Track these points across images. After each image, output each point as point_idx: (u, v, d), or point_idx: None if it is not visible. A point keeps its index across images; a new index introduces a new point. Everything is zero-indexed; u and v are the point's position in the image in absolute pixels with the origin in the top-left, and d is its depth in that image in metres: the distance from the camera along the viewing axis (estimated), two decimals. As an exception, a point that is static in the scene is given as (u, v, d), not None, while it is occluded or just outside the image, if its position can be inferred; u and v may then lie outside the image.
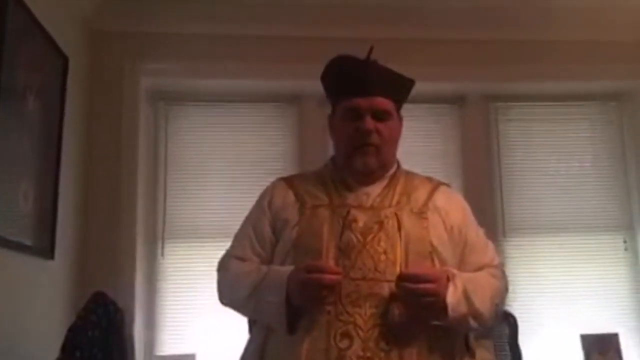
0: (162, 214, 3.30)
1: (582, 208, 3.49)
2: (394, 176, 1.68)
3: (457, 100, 3.55)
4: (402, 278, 1.42)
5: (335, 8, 3.24)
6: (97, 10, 3.15)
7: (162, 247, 3.24)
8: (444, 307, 1.43)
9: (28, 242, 2.44)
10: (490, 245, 1.71)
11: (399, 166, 1.73)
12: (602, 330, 3.07)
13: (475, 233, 1.69)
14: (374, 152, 1.63)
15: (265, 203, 1.69)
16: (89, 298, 2.46)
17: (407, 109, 3.81)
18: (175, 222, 3.28)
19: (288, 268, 1.50)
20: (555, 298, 3.33)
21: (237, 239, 1.71)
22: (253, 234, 1.66)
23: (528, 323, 3.14)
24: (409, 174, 1.73)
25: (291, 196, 1.64)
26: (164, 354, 3.12)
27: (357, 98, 1.62)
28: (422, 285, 1.41)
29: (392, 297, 1.44)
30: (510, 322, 2.98)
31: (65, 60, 2.81)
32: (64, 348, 2.34)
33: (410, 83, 1.73)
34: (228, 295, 1.66)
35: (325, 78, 1.75)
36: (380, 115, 1.63)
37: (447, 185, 1.75)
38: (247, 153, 3.37)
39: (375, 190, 1.63)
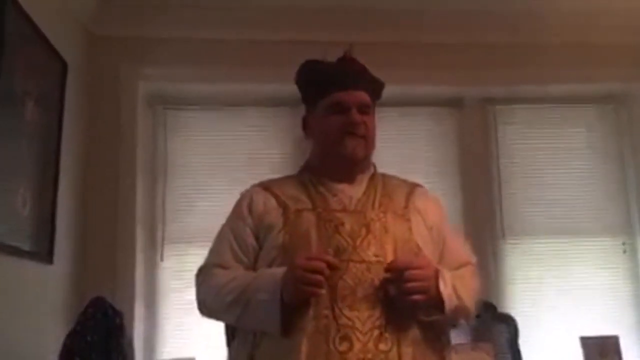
0: (161, 218, 3.29)
1: (580, 211, 3.49)
2: (372, 178, 1.69)
3: (455, 103, 3.55)
4: (390, 269, 1.45)
5: (335, 12, 3.24)
6: (95, 15, 3.15)
7: (162, 252, 3.24)
8: (439, 300, 1.45)
9: (27, 247, 2.44)
10: (466, 244, 1.74)
11: (375, 168, 1.74)
12: (602, 333, 3.07)
13: (452, 232, 1.72)
14: (363, 144, 1.64)
15: (245, 210, 1.67)
16: (88, 303, 2.46)
17: (406, 112, 3.80)
18: (174, 227, 3.27)
19: (280, 268, 1.48)
20: (555, 301, 3.33)
21: (217, 247, 1.69)
22: (234, 241, 1.64)
23: (528, 326, 3.14)
24: (385, 176, 1.74)
25: (272, 201, 1.63)
26: (164, 358, 3.11)
27: (342, 92, 1.63)
28: (411, 271, 1.43)
29: (386, 293, 1.45)
30: (510, 325, 2.97)
31: (64, 65, 2.81)
32: (63, 353, 2.33)
33: (381, 84, 1.74)
34: (210, 303, 1.61)
35: (303, 79, 1.75)
36: (364, 109, 1.65)
37: (421, 186, 1.77)
38: (246, 157, 3.37)
39: (357, 193, 1.63)
